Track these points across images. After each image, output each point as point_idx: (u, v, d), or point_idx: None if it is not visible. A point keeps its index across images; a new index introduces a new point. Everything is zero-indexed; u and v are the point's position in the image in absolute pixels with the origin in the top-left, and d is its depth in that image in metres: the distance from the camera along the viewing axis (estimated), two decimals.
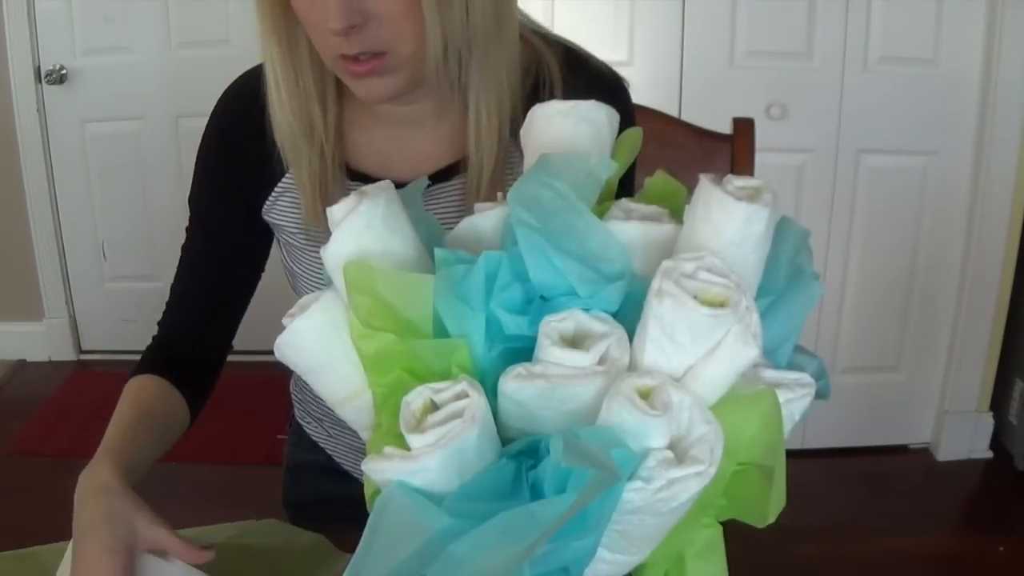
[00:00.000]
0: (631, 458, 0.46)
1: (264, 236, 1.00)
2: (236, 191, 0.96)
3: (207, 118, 0.97)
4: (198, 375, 0.98)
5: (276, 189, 0.95)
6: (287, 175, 0.93)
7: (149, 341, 1.01)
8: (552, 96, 0.91)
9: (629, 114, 0.95)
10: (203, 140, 0.97)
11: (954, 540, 1.02)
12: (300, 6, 0.79)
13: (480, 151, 0.89)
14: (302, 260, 0.98)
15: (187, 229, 1.00)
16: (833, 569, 0.91)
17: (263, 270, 1.03)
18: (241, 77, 0.96)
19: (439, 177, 0.92)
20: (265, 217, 0.97)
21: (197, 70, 2.62)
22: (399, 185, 0.91)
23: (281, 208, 0.95)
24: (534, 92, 0.91)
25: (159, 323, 1.00)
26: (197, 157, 0.98)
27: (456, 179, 0.92)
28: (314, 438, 1.13)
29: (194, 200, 1.00)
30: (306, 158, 0.89)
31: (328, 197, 0.90)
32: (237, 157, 0.94)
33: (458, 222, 0.82)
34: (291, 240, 0.96)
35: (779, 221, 0.55)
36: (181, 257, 1.00)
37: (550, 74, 0.92)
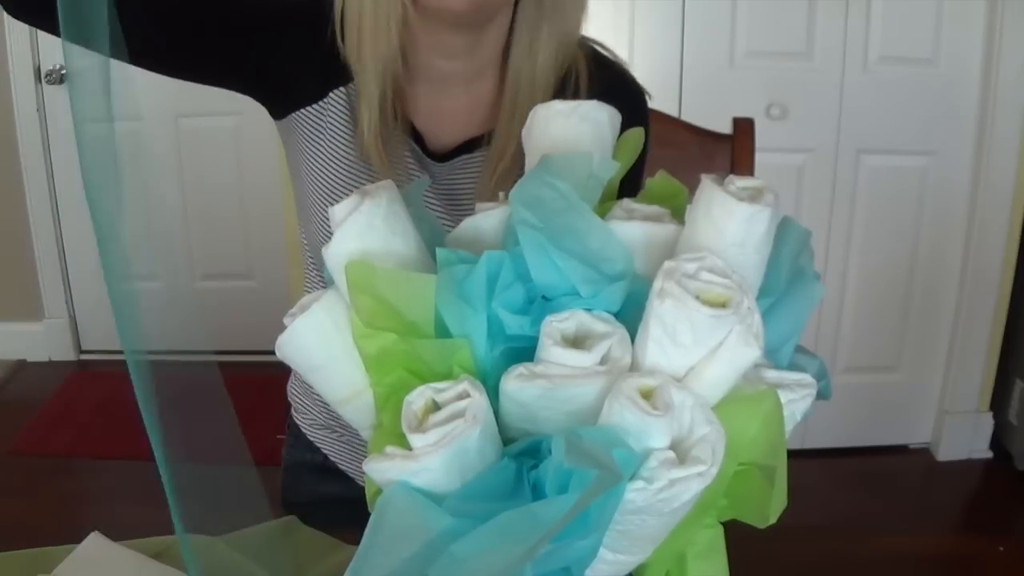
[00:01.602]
0: (633, 458, 0.46)
1: (229, 70, 0.94)
2: (277, 55, 0.92)
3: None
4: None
5: (316, 106, 0.94)
6: (333, 92, 0.93)
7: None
8: (578, 92, 0.94)
9: (646, 122, 0.97)
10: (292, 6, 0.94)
11: (954, 540, 1.02)
12: None
13: (511, 122, 0.91)
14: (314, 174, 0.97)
15: None
16: (833, 569, 0.91)
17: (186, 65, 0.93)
18: None
19: (464, 149, 0.96)
20: (286, 126, 0.96)
21: None
22: (423, 143, 0.93)
23: (319, 122, 0.95)
24: (561, 87, 0.93)
25: None
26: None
27: (479, 151, 0.95)
28: (310, 438, 1.13)
29: None
30: (379, 83, 0.90)
31: (387, 135, 0.92)
32: (312, 39, 0.92)
33: (473, 194, 0.83)
34: (317, 157, 0.96)
35: (780, 221, 0.55)
36: None
37: (577, 71, 0.94)
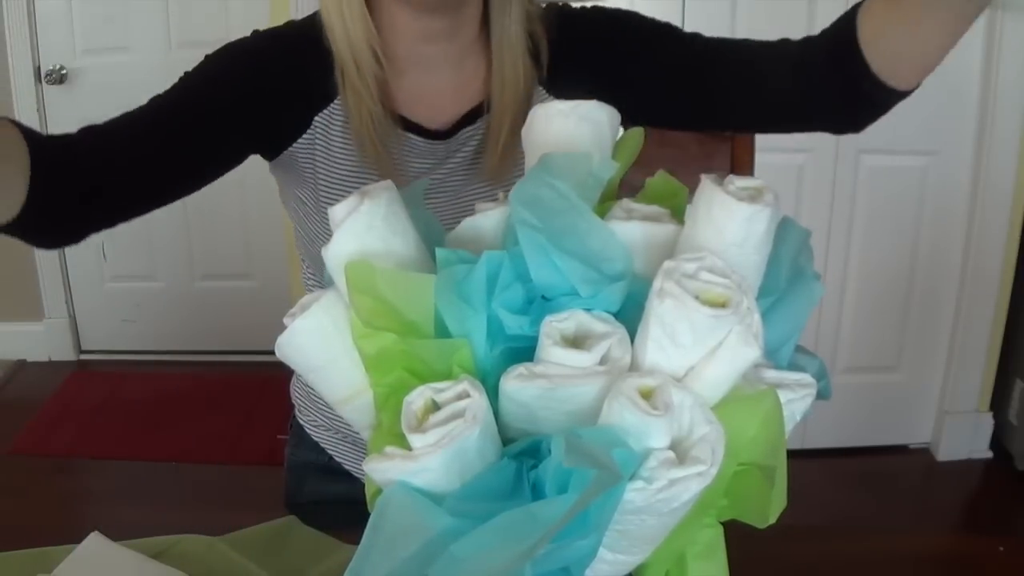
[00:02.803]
0: (632, 458, 0.46)
1: (223, 163, 0.93)
2: (250, 113, 0.92)
3: None
4: (59, 155, 0.82)
5: (305, 135, 0.95)
6: (317, 117, 0.94)
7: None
8: (540, 50, 0.97)
9: (640, 22, 1.01)
10: (229, 53, 0.93)
11: (954, 540, 1.02)
12: None
13: (503, 89, 0.94)
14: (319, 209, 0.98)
15: (162, 93, 0.91)
16: (833, 569, 0.91)
17: (186, 190, 0.92)
18: (273, 29, 0.96)
19: (464, 122, 0.97)
20: (279, 163, 0.97)
21: None
22: (421, 130, 0.94)
23: (311, 150, 0.96)
24: (535, 49, 0.97)
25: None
26: (213, 59, 0.93)
27: (480, 121, 0.97)
28: (315, 439, 1.13)
29: (191, 86, 0.92)
30: (366, 89, 0.91)
31: (380, 133, 0.93)
32: (272, 87, 0.93)
33: (480, 164, 0.86)
34: (319, 182, 0.96)
35: (780, 221, 0.55)
36: (145, 105, 0.89)
37: (539, 29, 0.97)
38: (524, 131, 0.64)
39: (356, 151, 0.95)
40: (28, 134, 0.78)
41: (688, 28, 1.01)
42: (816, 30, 0.91)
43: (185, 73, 0.92)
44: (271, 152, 0.97)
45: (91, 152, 0.83)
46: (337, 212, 0.55)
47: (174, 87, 0.91)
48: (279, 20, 1.00)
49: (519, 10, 0.94)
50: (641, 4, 2.24)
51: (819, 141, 2.31)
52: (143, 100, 0.89)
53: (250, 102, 0.92)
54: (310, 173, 0.96)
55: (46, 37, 2.86)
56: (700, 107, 0.96)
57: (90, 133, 0.84)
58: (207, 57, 0.93)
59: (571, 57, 0.97)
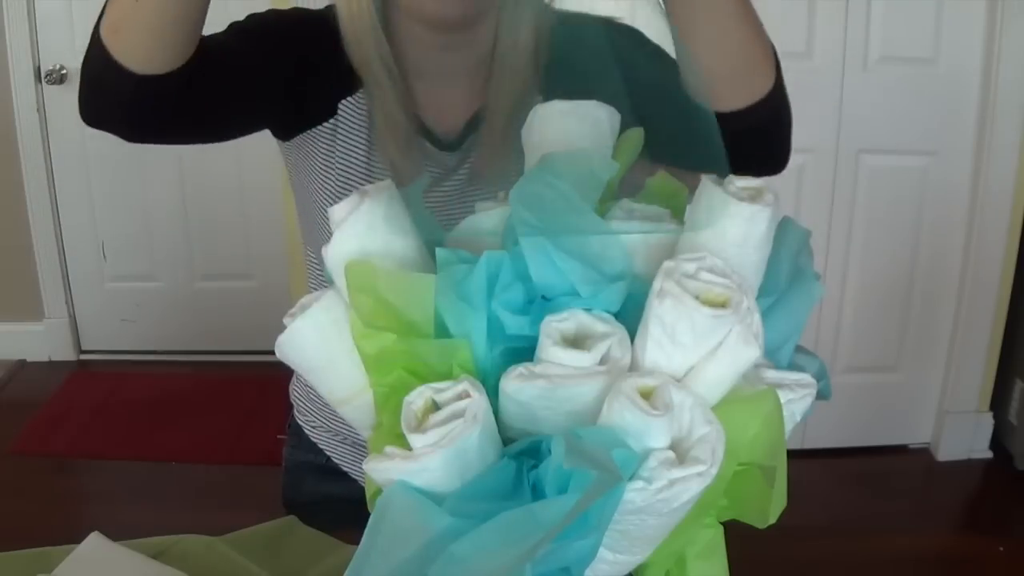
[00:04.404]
0: (632, 458, 0.46)
1: (252, 119, 0.93)
2: (295, 78, 0.91)
3: None
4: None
5: (329, 123, 0.94)
6: (342, 103, 0.93)
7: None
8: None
9: (641, 38, 0.99)
10: (296, 13, 0.94)
11: (954, 540, 1.02)
12: None
13: (500, 95, 0.92)
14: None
15: (239, 22, 0.91)
16: (833, 569, 0.91)
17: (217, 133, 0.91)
18: (313, 9, 0.94)
19: (468, 130, 0.95)
20: (295, 146, 0.96)
21: None
22: (433, 138, 0.93)
23: (332, 138, 0.95)
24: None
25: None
26: (279, 14, 0.93)
27: (484, 126, 0.95)
28: (313, 440, 1.13)
29: (257, 31, 0.91)
30: (388, 91, 0.90)
31: (401, 136, 0.92)
32: (315, 61, 0.92)
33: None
34: (336, 169, 0.96)
35: (780, 221, 0.55)
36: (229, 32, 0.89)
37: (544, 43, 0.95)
38: (524, 131, 0.64)
39: (374, 147, 0.93)
40: None
41: None
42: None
43: (250, 16, 0.91)
44: (289, 129, 0.96)
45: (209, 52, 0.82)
46: (337, 212, 0.55)
47: (243, 24, 0.91)
48: None
49: (530, 24, 0.92)
50: (641, 4, 2.23)
51: (819, 141, 2.31)
52: None
53: (299, 67, 0.91)
54: (325, 160, 0.95)
55: (46, 37, 2.86)
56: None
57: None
58: (271, 10, 0.93)
59: (571, 66, 0.96)
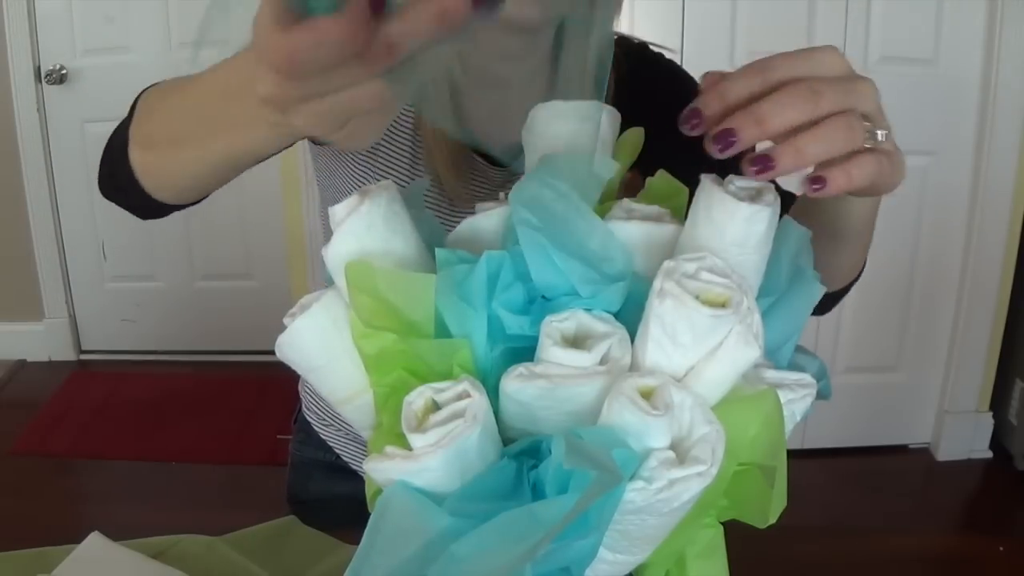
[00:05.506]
0: (632, 458, 0.46)
1: None
2: None
3: None
4: None
5: None
6: None
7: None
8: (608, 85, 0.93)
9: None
10: None
11: (954, 540, 1.02)
12: None
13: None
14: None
15: None
16: (833, 569, 0.91)
17: None
18: None
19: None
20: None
21: (197, 70, 2.62)
22: (481, 152, 0.93)
23: None
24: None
25: None
26: None
27: None
28: (323, 436, 1.13)
29: None
30: (441, 103, 0.86)
31: (449, 153, 0.90)
32: None
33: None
34: (378, 161, 0.93)
35: (780, 222, 0.55)
36: None
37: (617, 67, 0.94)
38: (524, 131, 0.64)
39: (418, 159, 0.91)
40: None
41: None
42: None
43: None
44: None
45: None
46: (337, 212, 0.55)
47: None
48: None
49: (600, 37, 0.90)
50: (641, 5, 2.24)
51: None
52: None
53: None
54: (365, 171, 0.92)
55: (46, 37, 2.86)
56: None
57: None
58: None
59: (633, 100, 0.92)
